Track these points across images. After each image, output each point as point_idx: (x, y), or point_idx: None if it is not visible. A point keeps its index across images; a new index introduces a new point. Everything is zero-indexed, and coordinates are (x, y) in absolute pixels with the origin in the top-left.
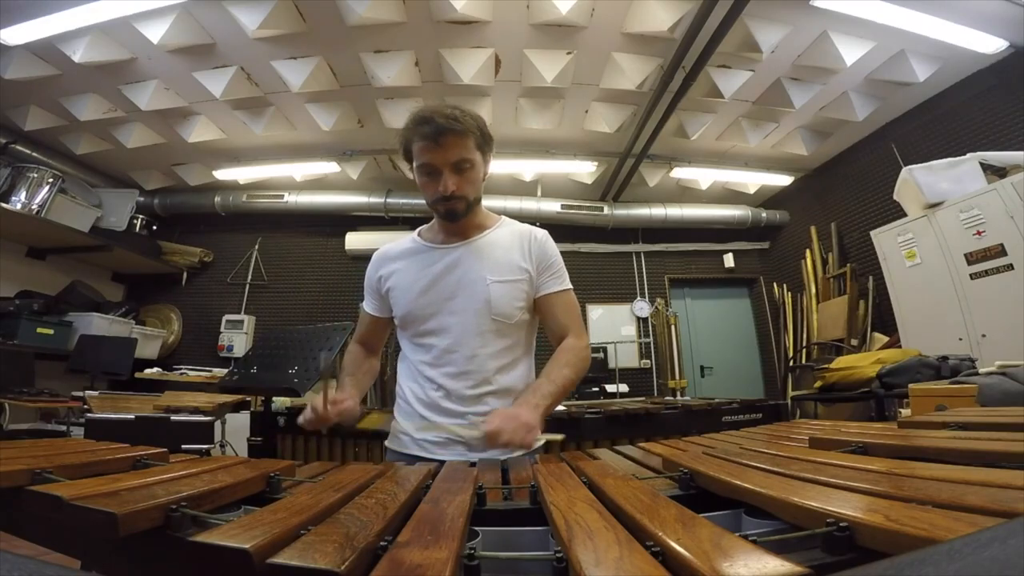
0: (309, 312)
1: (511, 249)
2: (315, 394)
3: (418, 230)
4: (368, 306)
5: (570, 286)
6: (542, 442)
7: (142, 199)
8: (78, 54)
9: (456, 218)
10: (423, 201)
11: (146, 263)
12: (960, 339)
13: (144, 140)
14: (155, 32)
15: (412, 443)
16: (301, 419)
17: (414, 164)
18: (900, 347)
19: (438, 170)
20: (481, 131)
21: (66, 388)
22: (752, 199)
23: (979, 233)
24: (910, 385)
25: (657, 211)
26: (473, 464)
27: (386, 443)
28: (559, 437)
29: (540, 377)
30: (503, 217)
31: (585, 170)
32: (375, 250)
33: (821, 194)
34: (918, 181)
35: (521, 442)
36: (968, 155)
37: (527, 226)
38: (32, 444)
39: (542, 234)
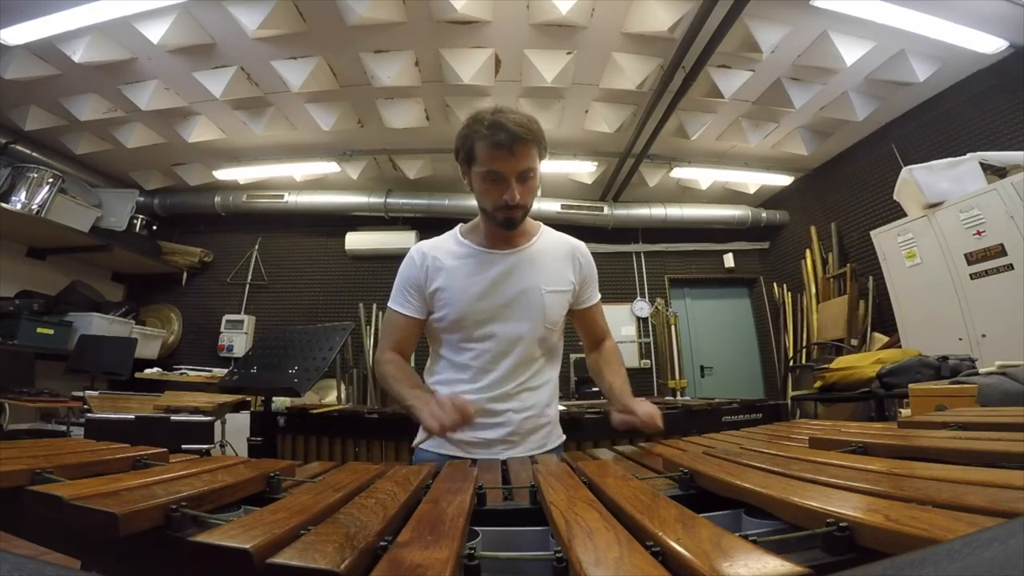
0: (309, 312)
1: (561, 260)
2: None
3: (458, 230)
4: (405, 307)
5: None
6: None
7: (142, 199)
8: (78, 54)
9: (514, 227)
10: (423, 201)
11: (146, 263)
12: (960, 339)
13: (144, 140)
14: (155, 32)
15: (448, 443)
16: (436, 425)
17: (476, 169)
18: (900, 347)
19: (505, 178)
20: (544, 139)
21: (66, 388)
22: (752, 199)
23: (979, 233)
24: (910, 385)
25: (657, 211)
26: (474, 463)
27: (416, 443)
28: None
29: (613, 379)
30: (541, 224)
31: (585, 170)
32: (375, 250)
33: (821, 194)
34: (918, 181)
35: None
36: (968, 155)
37: (569, 238)
38: (32, 444)
39: (585, 248)
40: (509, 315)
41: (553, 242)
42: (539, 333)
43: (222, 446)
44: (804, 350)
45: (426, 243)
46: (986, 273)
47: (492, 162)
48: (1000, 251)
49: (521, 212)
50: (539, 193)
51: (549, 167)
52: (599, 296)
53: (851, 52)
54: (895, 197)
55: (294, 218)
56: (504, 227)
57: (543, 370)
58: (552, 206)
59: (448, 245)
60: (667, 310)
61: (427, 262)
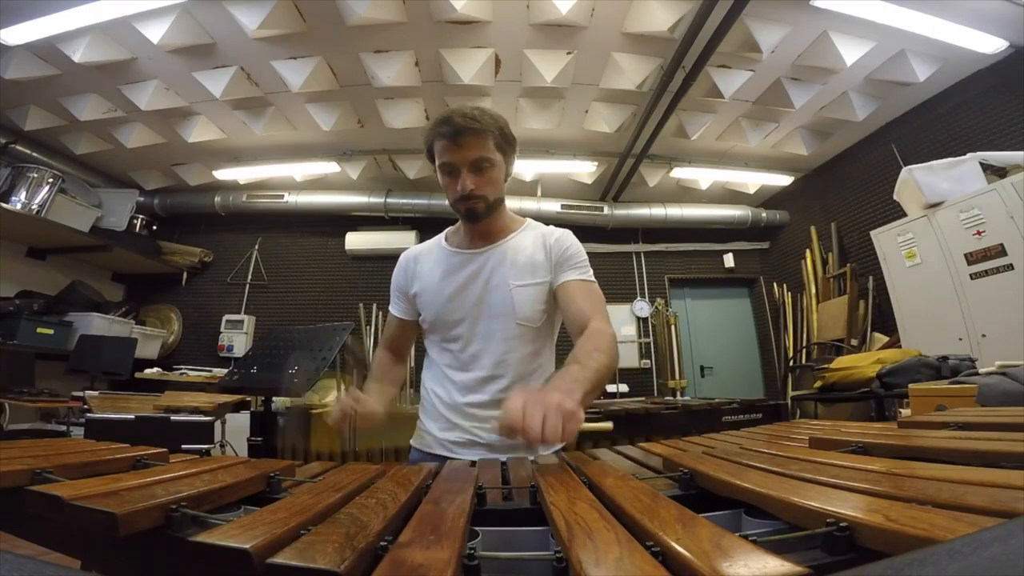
0: (309, 312)
1: (533, 252)
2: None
3: (444, 233)
4: (395, 309)
5: (594, 280)
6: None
7: (142, 199)
8: (78, 54)
9: (477, 218)
10: (423, 201)
11: (146, 263)
12: (960, 339)
13: (144, 140)
14: (155, 32)
15: (436, 443)
16: (331, 419)
17: (436, 164)
18: (900, 347)
19: (457, 169)
20: (501, 131)
21: (66, 388)
22: (752, 199)
23: (979, 233)
24: (910, 385)
25: (657, 211)
26: (474, 464)
27: (411, 442)
28: (608, 426)
29: (567, 364)
30: (528, 220)
31: (585, 170)
32: (375, 250)
33: (821, 194)
34: (918, 181)
35: (553, 432)
36: (968, 155)
37: (547, 227)
38: (32, 444)
39: (560, 231)
40: (479, 314)
41: (530, 235)
42: (514, 332)
43: (222, 446)
44: (804, 350)
45: (415, 247)
46: (986, 273)
47: (443, 154)
48: (1000, 251)
49: (482, 203)
50: (539, 193)
51: (549, 167)
52: (586, 278)
53: (851, 52)
54: (895, 197)
55: (294, 218)
56: (468, 219)
57: (533, 373)
58: (552, 206)
59: (432, 248)
60: (667, 310)
61: (410, 267)
